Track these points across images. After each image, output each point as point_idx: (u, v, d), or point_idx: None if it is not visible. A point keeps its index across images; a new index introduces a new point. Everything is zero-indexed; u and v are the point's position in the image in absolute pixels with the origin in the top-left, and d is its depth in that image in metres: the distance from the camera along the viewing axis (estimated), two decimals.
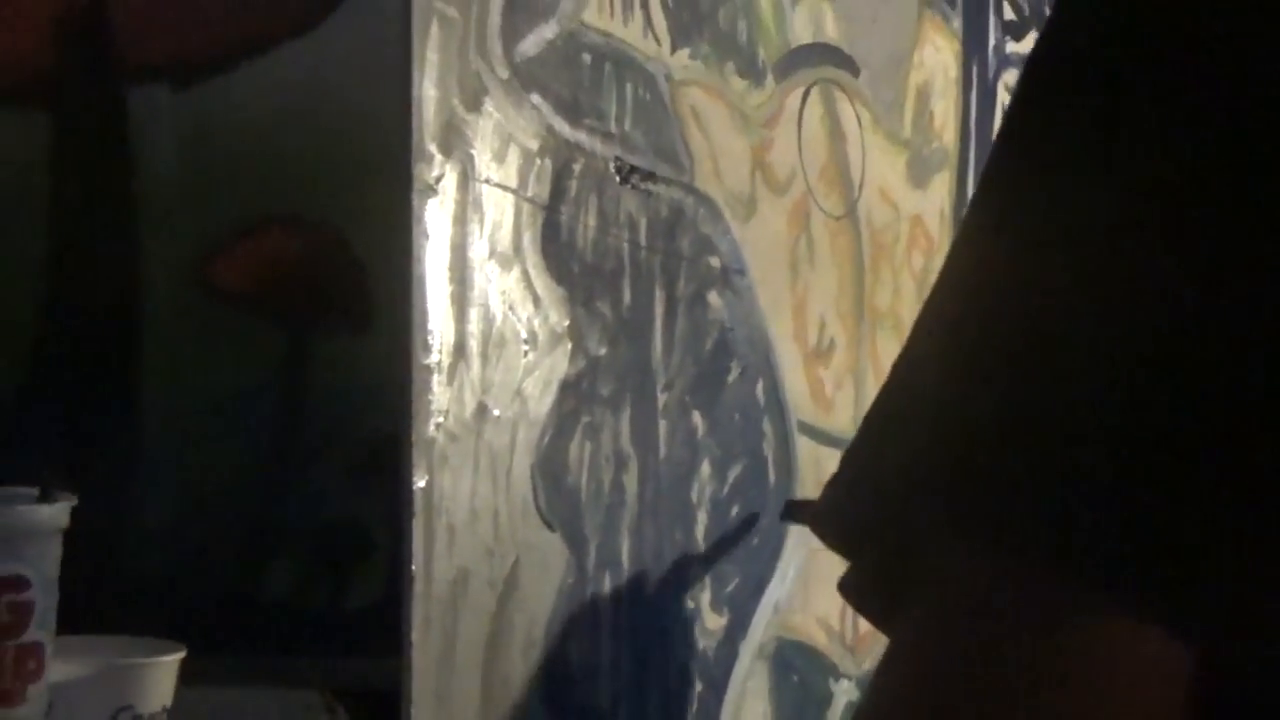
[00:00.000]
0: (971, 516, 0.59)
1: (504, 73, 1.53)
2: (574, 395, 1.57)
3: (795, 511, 1.75)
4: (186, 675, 1.45)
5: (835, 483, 0.65)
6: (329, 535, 1.81)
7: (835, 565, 0.65)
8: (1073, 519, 0.58)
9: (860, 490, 0.64)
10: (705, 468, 1.68)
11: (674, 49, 1.72)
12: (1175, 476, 0.57)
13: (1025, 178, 0.62)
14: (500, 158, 1.51)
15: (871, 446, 0.64)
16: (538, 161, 1.55)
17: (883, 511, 0.63)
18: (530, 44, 1.56)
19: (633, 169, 1.63)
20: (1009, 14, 2.24)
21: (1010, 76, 2.15)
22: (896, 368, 0.65)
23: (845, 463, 0.65)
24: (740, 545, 1.73)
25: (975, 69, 2.15)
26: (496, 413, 1.50)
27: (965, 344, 0.61)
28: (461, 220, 1.47)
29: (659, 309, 1.64)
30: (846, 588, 0.67)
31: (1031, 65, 0.64)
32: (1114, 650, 0.58)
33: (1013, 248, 0.61)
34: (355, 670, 1.76)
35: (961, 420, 0.60)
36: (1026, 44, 2.27)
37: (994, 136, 0.67)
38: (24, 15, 1.80)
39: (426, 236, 1.44)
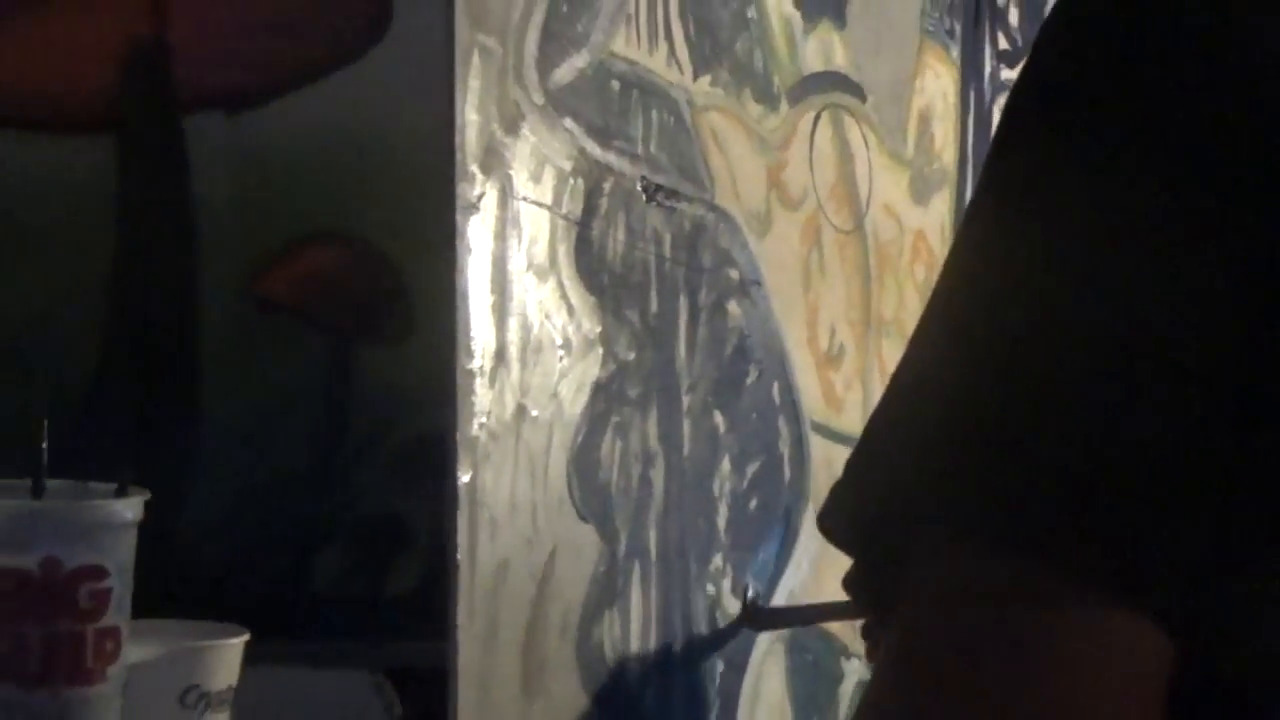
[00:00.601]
0: (963, 515, 0.60)
1: (539, 99, 1.53)
2: (605, 397, 1.57)
3: (758, 619, 1.72)
4: (247, 657, 1.45)
5: (839, 486, 0.67)
6: (373, 528, 1.80)
7: (846, 555, 0.66)
8: (1057, 516, 0.58)
9: (861, 494, 0.65)
10: (725, 464, 1.68)
11: (695, 77, 1.72)
12: (1153, 479, 0.58)
13: (1011, 206, 0.63)
14: (536, 178, 1.52)
15: (871, 454, 0.65)
16: (571, 181, 1.55)
17: (881, 514, 0.64)
18: (563, 73, 1.56)
19: (658, 188, 1.63)
20: (1003, 44, 2.24)
21: (1004, 101, 2.15)
22: (894, 381, 0.65)
23: (848, 468, 0.66)
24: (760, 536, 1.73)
25: (973, 94, 2.16)
26: (534, 413, 1.50)
27: (959, 360, 0.62)
28: (501, 235, 1.48)
29: (683, 317, 1.65)
30: (850, 584, 0.67)
31: (1018, 92, 0.65)
32: (1096, 634, 0.58)
33: (1003, 268, 0.62)
34: (399, 654, 1.75)
35: (954, 428, 0.61)
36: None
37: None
38: (91, 51, 1.81)
39: (469, 251, 1.45)
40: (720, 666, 1.67)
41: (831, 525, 0.66)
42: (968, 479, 0.60)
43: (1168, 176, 0.60)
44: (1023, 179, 0.63)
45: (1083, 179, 0.61)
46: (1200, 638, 0.58)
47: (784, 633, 1.74)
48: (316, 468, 1.79)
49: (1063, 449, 0.59)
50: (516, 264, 1.49)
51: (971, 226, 0.66)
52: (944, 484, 0.61)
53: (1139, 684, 0.59)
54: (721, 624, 1.67)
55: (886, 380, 0.65)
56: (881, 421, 0.65)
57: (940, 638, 0.60)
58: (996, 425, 0.60)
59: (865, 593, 0.67)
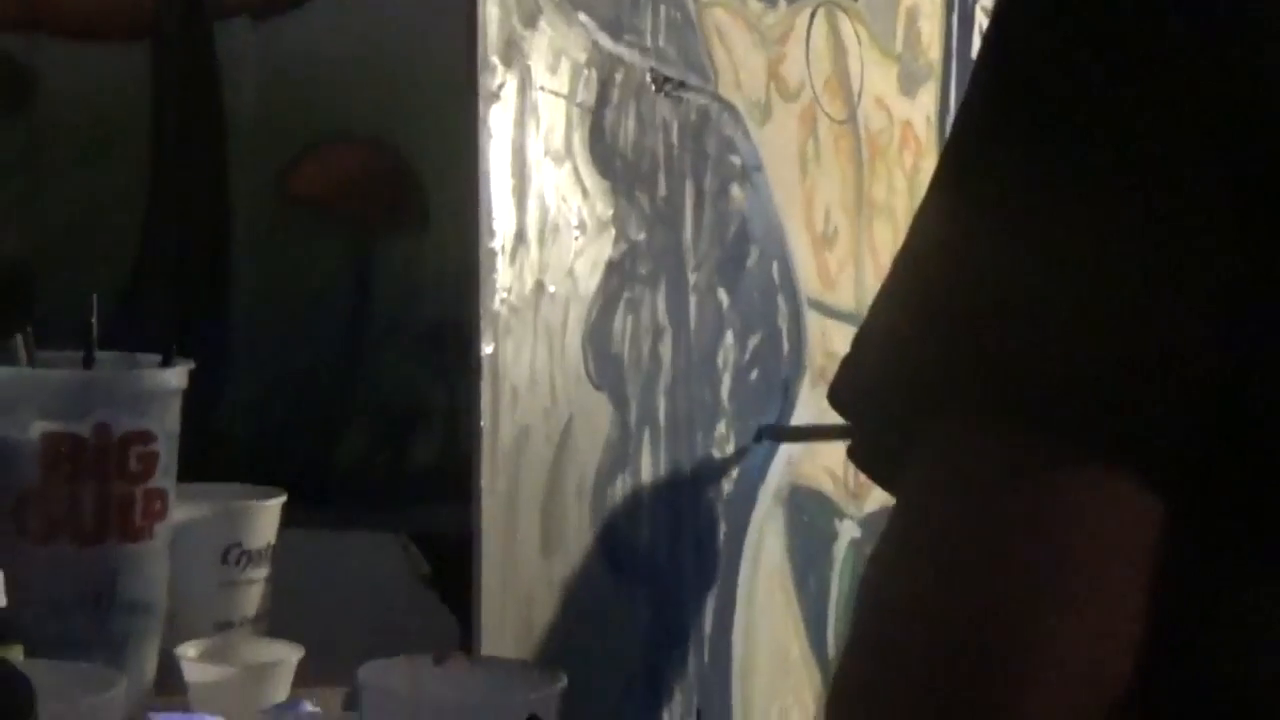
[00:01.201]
0: (963, 389, 0.58)
1: None
2: (617, 275, 1.56)
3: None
4: (284, 521, 1.44)
5: (847, 360, 0.65)
6: (397, 404, 1.81)
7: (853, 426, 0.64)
8: (1052, 384, 0.57)
9: (867, 368, 0.64)
10: (729, 338, 1.67)
11: None
12: (1147, 348, 0.56)
13: (1009, 123, 0.60)
14: (553, 69, 1.50)
15: (878, 329, 0.64)
16: (585, 72, 1.54)
17: (887, 387, 0.62)
18: None
19: (666, 79, 1.61)
20: None
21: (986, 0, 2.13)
22: (900, 259, 0.63)
23: (856, 343, 0.65)
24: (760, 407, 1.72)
25: None
26: (552, 290, 1.49)
27: (959, 243, 0.60)
28: (520, 123, 1.46)
29: (689, 200, 1.63)
30: (854, 452, 0.65)
31: (987, 52, 0.62)
32: (1093, 498, 0.56)
33: (1003, 167, 0.60)
34: (425, 518, 1.76)
35: (956, 305, 0.59)
36: None
37: (973, 55, 0.64)
38: None
39: (490, 137, 1.43)
40: (724, 526, 1.66)
41: (839, 397, 0.65)
42: (967, 354, 0.58)
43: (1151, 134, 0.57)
44: (1019, 100, 0.60)
45: (1083, 98, 0.59)
46: (1194, 502, 0.57)
47: (783, 496, 1.73)
48: (343, 349, 1.80)
49: (1056, 321, 0.57)
50: (535, 150, 1.47)
51: (969, 128, 0.63)
52: (946, 359, 0.59)
53: (1135, 546, 0.57)
54: (725, 486, 1.66)
55: (876, 261, 0.63)
56: (886, 305, 0.64)
57: (945, 509, 0.59)
58: (994, 302, 0.58)
59: (870, 463, 0.65)
